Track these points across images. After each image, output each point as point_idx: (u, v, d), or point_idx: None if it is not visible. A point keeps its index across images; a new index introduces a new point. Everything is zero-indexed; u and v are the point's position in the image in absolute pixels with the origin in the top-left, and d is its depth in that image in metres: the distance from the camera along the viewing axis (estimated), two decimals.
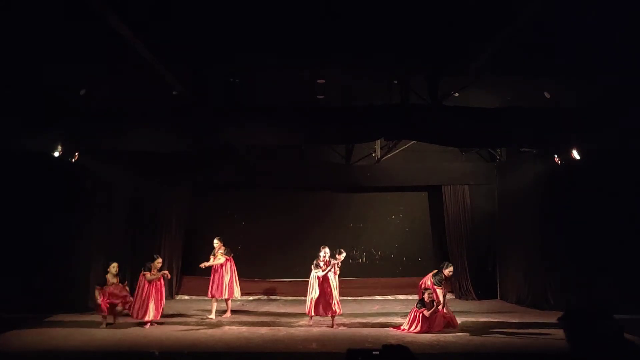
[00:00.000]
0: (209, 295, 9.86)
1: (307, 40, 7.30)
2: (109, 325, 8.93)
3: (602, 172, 10.24)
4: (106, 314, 8.95)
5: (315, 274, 9.11)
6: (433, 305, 8.67)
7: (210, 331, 8.74)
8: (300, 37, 7.21)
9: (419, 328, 8.54)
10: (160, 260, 9.34)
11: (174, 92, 8.84)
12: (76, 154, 9.69)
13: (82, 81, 8.71)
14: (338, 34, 7.08)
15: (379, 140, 12.11)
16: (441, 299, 8.69)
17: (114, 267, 9.14)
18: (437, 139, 9.62)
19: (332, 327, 8.97)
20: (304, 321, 9.41)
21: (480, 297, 12.47)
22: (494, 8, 6.22)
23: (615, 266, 10.39)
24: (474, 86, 8.91)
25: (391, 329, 8.93)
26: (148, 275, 9.01)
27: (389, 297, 12.81)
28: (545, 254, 11.10)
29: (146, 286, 8.97)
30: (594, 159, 9.68)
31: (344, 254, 9.45)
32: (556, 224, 10.96)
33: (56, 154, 9.02)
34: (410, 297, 12.19)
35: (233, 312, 10.54)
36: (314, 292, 9.04)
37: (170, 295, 12.13)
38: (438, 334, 8.43)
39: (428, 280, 9.00)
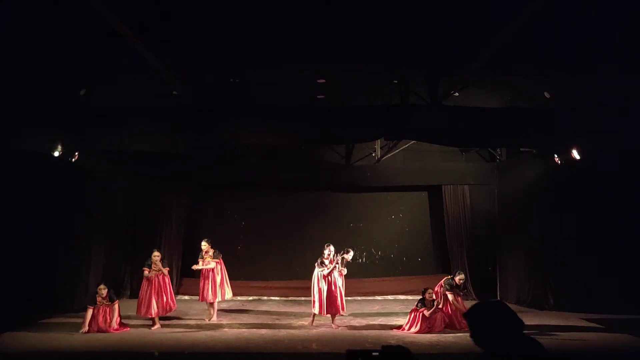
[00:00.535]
0: (200, 298, 9.65)
1: (307, 40, 7.29)
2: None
3: (602, 172, 10.25)
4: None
5: (320, 272, 9.05)
6: (433, 305, 8.67)
7: (210, 331, 8.73)
8: (300, 37, 7.21)
9: (418, 328, 8.53)
10: (156, 253, 9.16)
11: (174, 92, 8.84)
12: (76, 154, 9.70)
13: (82, 81, 8.71)
14: (338, 34, 7.08)
15: (379, 140, 12.11)
16: (456, 304, 8.78)
17: (101, 290, 8.70)
18: (437, 139, 9.62)
19: (332, 326, 8.95)
20: (304, 321, 9.39)
21: (480, 297, 12.46)
22: (494, 8, 6.21)
23: (616, 266, 10.40)
24: (474, 86, 8.91)
25: (391, 329, 8.93)
26: (145, 272, 9.02)
27: (389, 297, 12.81)
28: (545, 254, 11.10)
29: (146, 283, 8.97)
30: (594, 159, 9.69)
31: (351, 253, 9.51)
32: (556, 224, 10.96)
33: (56, 154, 9.03)
34: (410, 297, 12.19)
35: (233, 312, 10.56)
36: (318, 290, 8.96)
37: None
38: (438, 334, 8.44)
39: (439, 284, 9.16)
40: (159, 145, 9.28)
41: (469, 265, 12.71)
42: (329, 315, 9.04)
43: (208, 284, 9.43)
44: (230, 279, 12.82)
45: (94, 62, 7.80)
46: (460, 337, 8.28)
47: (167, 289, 9.12)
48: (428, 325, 8.57)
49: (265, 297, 12.78)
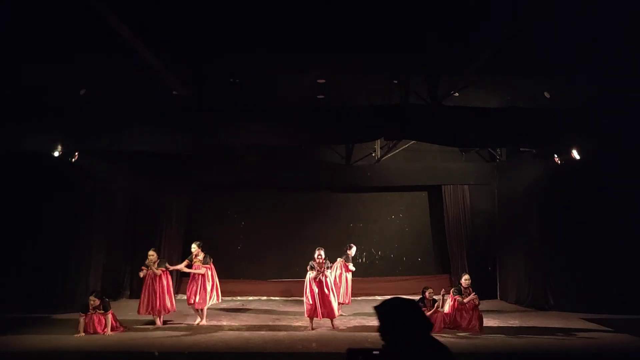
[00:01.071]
0: (189, 302, 9.25)
1: (307, 40, 7.29)
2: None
3: (602, 172, 10.25)
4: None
5: (309, 276, 9.03)
6: (433, 306, 8.67)
7: (210, 331, 8.73)
8: (300, 37, 7.21)
9: None
10: (152, 253, 9.10)
11: (174, 92, 8.83)
12: (76, 154, 9.70)
13: (82, 81, 8.70)
14: (338, 34, 7.08)
15: (379, 140, 12.11)
16: (468, 299, 8.84)
17: (92, 300, 8.42)
18: (437, 139, 9.62)
19: (332, 328, 8.95)
20: (304, 322, 9.37)
21: (480, 297, 12.41)
22: (494, 8, 6.21)
23: (616, 266, 10.39)
24: (474, 86, 8.90)
25: None
26: (141, 273, 9.00)
27: (389, 297, 12.73)
28: (545, 254, 11.10)
29: (146, 282, 8.97)
30: (594, 158, 9.69)
31: (354, 249, 9.44)
32: (556, 224, 10.96)
33: (56, 154, 9.03)
34: (410, 297, 12.17)
35: (233, 312, 10.55)
36: (311, 294, 8.92)
37: None
38: (438, 334, 8.43)
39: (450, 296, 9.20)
40: (159, 145, 9.27)
41: (469, 265, 12.70)
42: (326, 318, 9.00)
43: (197, 289, 9.08)
44: (230, 279, 12.89)
45: (94, 62, 7.80)
46: (460, 337, 8.28)
47: (164, 289, 9.06)
48: None
49: (265, 297, 12.78)
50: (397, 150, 12.33)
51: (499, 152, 13.02)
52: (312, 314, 8.89)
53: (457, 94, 9.19)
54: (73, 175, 10.49)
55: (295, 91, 9.49)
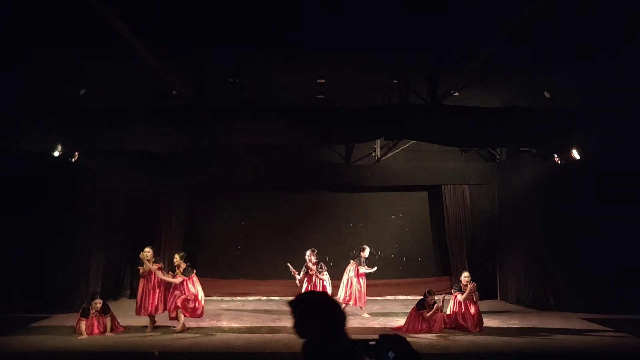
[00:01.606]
0: (169, 309, 8.83)
1: (307, 40, 7.29)
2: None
3: (602, 172, 10.25)
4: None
5: (298, 277, 8.98)
6: (433, 307, 8.66)
7: (210, 332, 8.73)
8: (300, 37, 7.21)
9: (418, 328, 8.53)
10: (147, 250, 8.90)
11: (174, 92, 8.83)
12: (76, 154, 9.70)
13: (82, 81, 8.70)
14: (338, 34, 7.08)
15: (378, 140, 12.11)
16: (467, 291, 8.87)
17: (96, 304, 8.36)
18: (437, 139, 9.61)
19: None
20: None
21: (480, 297, 12.42)
22: (494, 7, 6.21)
23: (616, 266, 10.39)
24: (474, 86, 8.90)
25: (391, 329, 8.92)
26: (141, 269, 8.97)
27: (389, 297, 12.80)
28: (545, 254, 11.10)
29: (141, 283, 8.92)
30: (594, 158, 9.69)
31: (367, 250, 9.39)
32: (556, 223, 10.96)
33: (56, 154, 9.02)
34: (410, 297, 12.19)
35: (233, 312, 10.53)
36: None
37: None
38: (438, 334, 8.43)
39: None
40: (159, 145, 9.26)
41: (469, 265, 12.67)
42: None
43: (174, 299, 8.69)
44: (230, 279, 12.88)
45: (94, 62, 7.80)
46: (460, 337, 8.28)
47: (158, 289, 8.88)
48: (428, 326, 8.58)
49: (265, 297, 12.77)
50: (397, 150, 12.33)
51: (499, 152, 13.02)
52: None
53: (457, 94, 9.19)
54: (73, 175, 10.49)
55: (295, 91, 9.48)
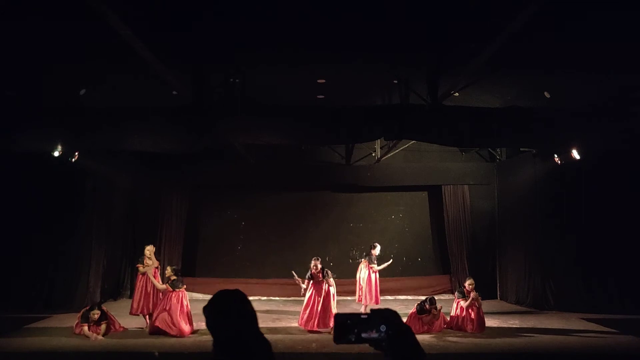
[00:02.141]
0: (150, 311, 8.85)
1: (308, 40, 7.29)
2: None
3: (602, 172, 10.25)
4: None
5: (303, 286, 8.88)
6: (431, 314, 8.63)
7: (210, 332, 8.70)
8: (300, 37, 7.20)
9: (418, 329, 8.52)
10: (148, 247, 8.96)
11: (174, 92, 8.82)
12: (76, 154, 9.70)
13: (82, 81, 8.70)
14: (338, 34, 7.08)
15: (379, 140, 12.12)
16: (469, 299, 8.80)
17: (94, 315, 8.20)
18: (437, 139, 9.60)
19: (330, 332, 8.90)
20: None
21: (480, 297, 12.45)
22: (494, 7, 6.21)
23: (616, 266, 10.40)
24: (474, 86, 8.89)
25: None
26: (141, 267, 8.95)
27: (389, 297, 12.78)
28: (545, 254, 11.10)
29: (139, 282, 8.90)
30: (594, 159, 9.69)
31: (378, 248, 9.39)
32: (556, 223, 10.96)
33: (56, 154, 9.02)
34: (410, 297, 12.20)
35: None
36: (305, 303, 8.81)
37: None
38: (438, 335, 8.44)
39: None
40: (158, 145, 9.26)
41: (469, 265, 12.71)
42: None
43: (158, 296, 8.74)
44: (230, 279, 12.86)
45: (94, 62, 7.79)
46: (460, 338, 8.29)
47: (156, 288, 8.82)
48: (428, 328, 8.58)
49: (265, 297, 12.77)
50: (397, 150, 12.33)
51: (499, 152, 13.03)
52: (306, 325, 8.68)
53: (457, 94, 9.18)
54: (73, 175, 10.49)
55: (295, 91, 9.47)
